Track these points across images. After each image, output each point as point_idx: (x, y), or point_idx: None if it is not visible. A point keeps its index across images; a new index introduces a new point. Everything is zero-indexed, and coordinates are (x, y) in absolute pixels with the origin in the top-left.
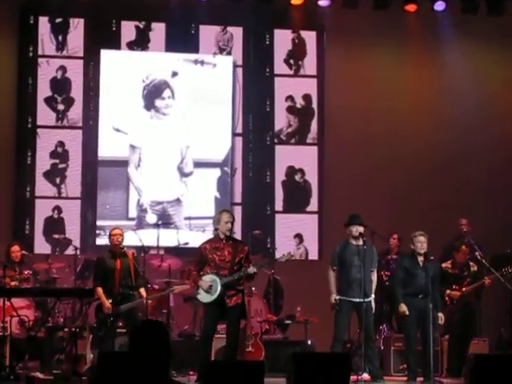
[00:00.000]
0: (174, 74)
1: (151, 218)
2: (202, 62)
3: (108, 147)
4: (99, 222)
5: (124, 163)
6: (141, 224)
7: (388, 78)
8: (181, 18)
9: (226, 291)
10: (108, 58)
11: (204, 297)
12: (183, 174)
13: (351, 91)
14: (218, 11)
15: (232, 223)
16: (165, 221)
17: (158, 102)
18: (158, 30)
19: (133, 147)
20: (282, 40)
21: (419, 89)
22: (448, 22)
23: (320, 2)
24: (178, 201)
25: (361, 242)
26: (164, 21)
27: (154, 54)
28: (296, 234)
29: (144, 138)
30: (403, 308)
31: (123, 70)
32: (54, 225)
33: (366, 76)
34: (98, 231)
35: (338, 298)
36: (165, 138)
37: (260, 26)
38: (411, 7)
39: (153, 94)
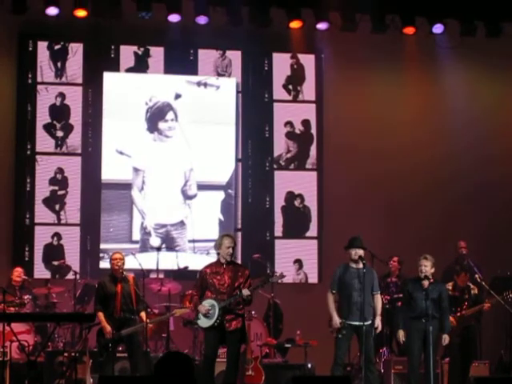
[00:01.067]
0: (178, 96)
1: (155, 241)
2: (205, 84)
3: (111, 170)
4: (103, 245)
5: (127, 186)
6: (145, 247)
7: (387, 102)
8: (179, 42)
9: (224, 315)
10: (111, 80)
11: (203, 321)
12: (187, 197)
13: (350, 116)
14: (216, 35)
15: (233, 248)
16: (169, 244)
17: (162, 125)
18: (157, 56)
19: (136, 170)
20: (281, 65)
21: (418, 113)
22: (446, 44)
23: (318, 26)
24: (181, 223)
25: (361, 265)
26: (162, 45)
27: (157, 77)
28: (296, 259)
29: (147, 161)
30: (400, 334)
31: (126, 93)
32: (54, 251)
33: (364, 100)
34: (101, 254)
35: (343, 320)
36: (168, 161)
37: (258, 49)
38: (409, 30)
39: (156, 116)
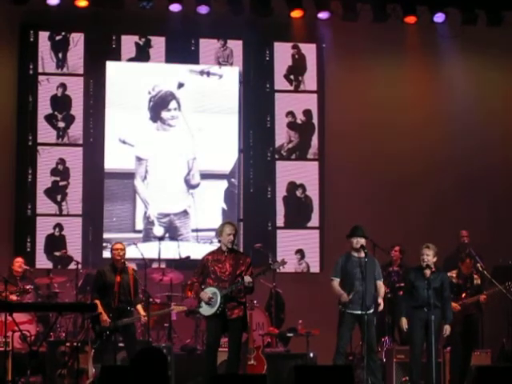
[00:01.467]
0: (180, 86)
1: (158, 230)
2: (208, 73)
3: (114, 159)
4: (106, 235)
5: (130, 175)
6: (148, 236)
7: (387, 91)
8: (180, 31)
9: (226, 303)
10: (113, 69)
11: (205, 309)
12: (190, 186)
13: (351, 105)
14: (217, 25)
15: (234, 235)
16: (172, 233)
17: (164, 114)
18: (158, 46)
19: (139, 159)
20: (282, 55)
21: (419, 101)
22: (447, 33)
23: (320, 15)
24: (185, 213)
25: (362, 254)
26: (164, 35)
27: (159, 66)
28: (297, 249)
29: (150, 150)
30: (402, 322)
31: (129, 82)
32: (56, 242)
33: (365, 89)
34: (104, 244)
35: (352, 292)
36: (171, 150)
37: (259, 39)
38: (411, 19)
39: (159, 105)
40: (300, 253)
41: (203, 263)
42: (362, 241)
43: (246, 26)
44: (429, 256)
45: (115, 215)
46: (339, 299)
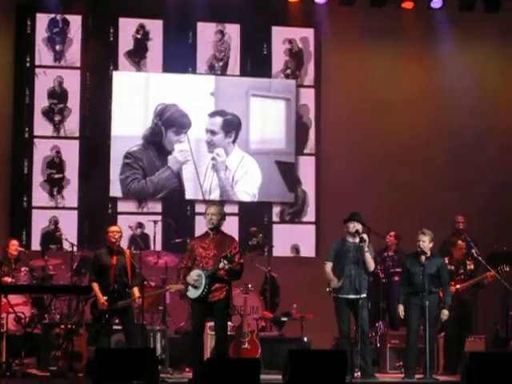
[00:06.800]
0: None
1: None
2: None
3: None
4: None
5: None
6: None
7: (385, 76)
8: (178, 15)
9: (211, 285)
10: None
11: (192, 292)
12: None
13: (348, 97)
14: (215, 9)
15: (214, 216)
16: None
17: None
18: (156, 38)
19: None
20: (279, 50)
21: (417, 91)
22: (445, 18)
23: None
24: None
25: (357, 240)
26: (161, 18)
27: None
28: (293, 244)
29: None
30: (399, 309)
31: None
32: (51, 235)
33: (362, 76)
34: None
35: (331, 289)
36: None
37: (257, 23)
38: (408, 4)
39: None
40: (295, 248)
41: (189, 248)
42: (359, 226)
43: (244, 10)
44: (424, 242)
45: None
46: (329, 284)
